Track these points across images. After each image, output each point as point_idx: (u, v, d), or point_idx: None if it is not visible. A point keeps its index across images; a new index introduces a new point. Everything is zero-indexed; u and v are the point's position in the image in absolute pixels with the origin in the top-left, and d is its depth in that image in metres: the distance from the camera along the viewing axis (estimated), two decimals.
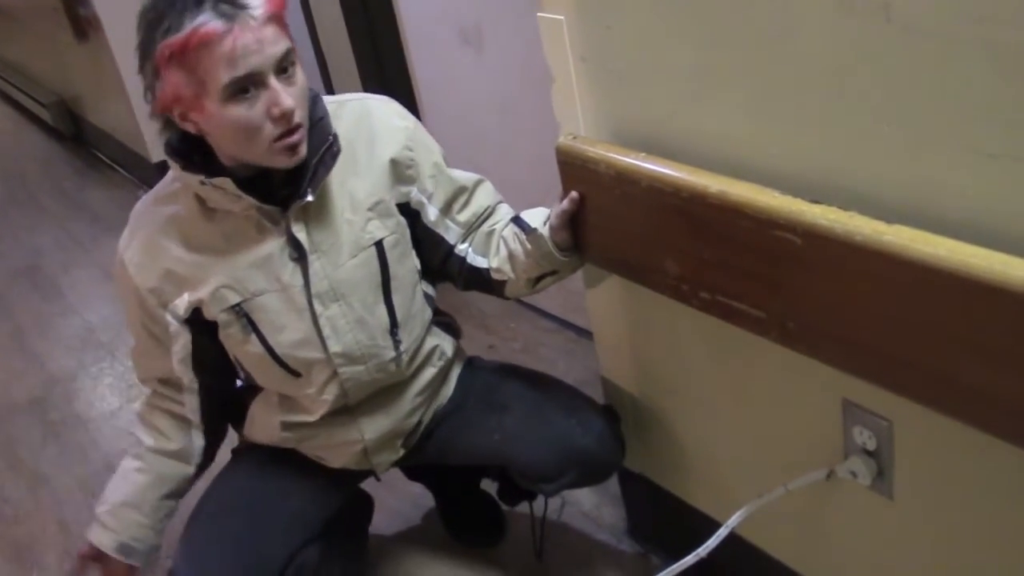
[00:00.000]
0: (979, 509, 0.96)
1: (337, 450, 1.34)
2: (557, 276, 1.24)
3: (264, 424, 1.34)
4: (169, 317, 1.21)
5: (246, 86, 1.02)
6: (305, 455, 1.37)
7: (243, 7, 1.00)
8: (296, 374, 1.24)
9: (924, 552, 1.06)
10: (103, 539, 1.27)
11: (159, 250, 1.19)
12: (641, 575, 1.57)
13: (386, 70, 2.46)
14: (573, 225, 1.17)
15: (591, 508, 1.72)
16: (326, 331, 1.21)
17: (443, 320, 1.42)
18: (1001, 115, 0.73)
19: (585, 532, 1.68)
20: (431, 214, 1.28)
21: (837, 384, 1.03)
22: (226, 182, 1.09)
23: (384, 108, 1.26)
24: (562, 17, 1.11)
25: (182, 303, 1.20)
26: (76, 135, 4.45)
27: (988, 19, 0.70)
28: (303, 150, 1.09)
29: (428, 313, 1.35)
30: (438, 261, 1.32)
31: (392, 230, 1.24)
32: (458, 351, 1.45)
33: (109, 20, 3.21)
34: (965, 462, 0.94)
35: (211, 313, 1.20)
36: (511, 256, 1.24)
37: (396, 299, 1.26)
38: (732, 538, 1.15)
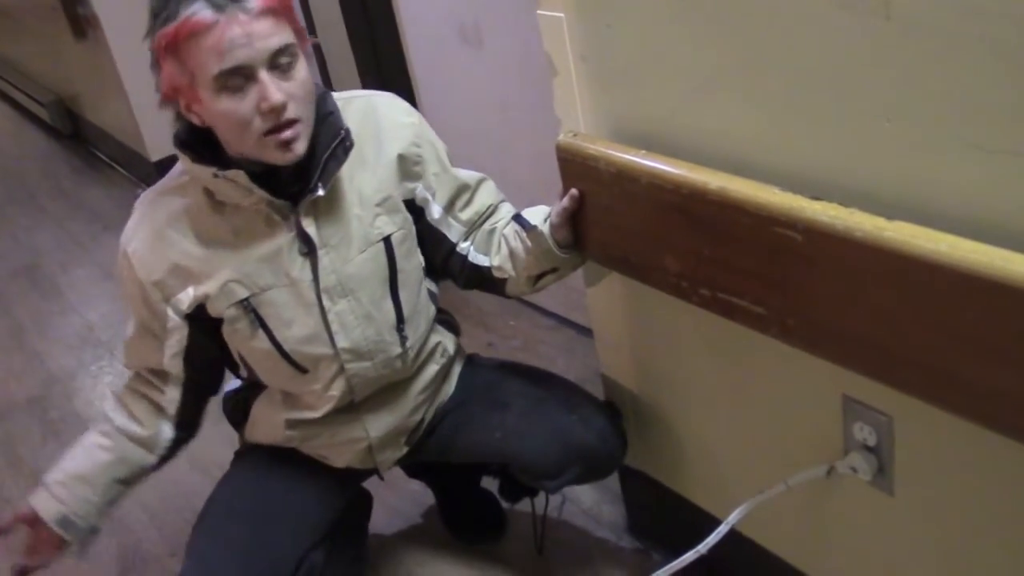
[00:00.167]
0: (979, 504, 0.96)
1: (341, 448, 1.34)
2: (558, 274, 1.24)
3: (267, 423, 1.34)
4: (170, 312, 1.20)
5: (236, 79, 1.02)
6: (308, 455, 1.37)
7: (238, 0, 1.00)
8: (303, 370, 1.24)
9: (925, 547, 1.07)
10: (48, 507, 1.23)
11: (167, 243, 1.18)
12: (641, 572, 1.56)
13: (385, 68, 2.46)
14: (573, 222, 1.18)
15: (591, 505, 1.73)
16: (334, 326, 1.21)
17: (443, 318, 1.42)
18: (1001, 111, 0.73)
19: (585, 529, 1.68)
20: (435, 211, 1.28)
21: (837, 380, 1.03)
22: (239, 175, 1.09)
23: (390, 104, 1.27)
24: (562, 15, 1.11)
25: (186, 297, 1.19)
26: (75, 134, 4.44)
27: (987, 15, 0.70)
28: (299, 147, 1.08)
29: (432, 310, 1.35)
30: (440, 259, 1.32)
31: (400, 226, 1.24)
32: (459, 348, 1.45)
33: (108, 19, 3.20)
34: (965, 458, 0.94)
35: (217, 309, 1.19)
36: (512, 254, 1.24)
37: (403, 295, 1.26)
38: (732, 535, 1.15)
